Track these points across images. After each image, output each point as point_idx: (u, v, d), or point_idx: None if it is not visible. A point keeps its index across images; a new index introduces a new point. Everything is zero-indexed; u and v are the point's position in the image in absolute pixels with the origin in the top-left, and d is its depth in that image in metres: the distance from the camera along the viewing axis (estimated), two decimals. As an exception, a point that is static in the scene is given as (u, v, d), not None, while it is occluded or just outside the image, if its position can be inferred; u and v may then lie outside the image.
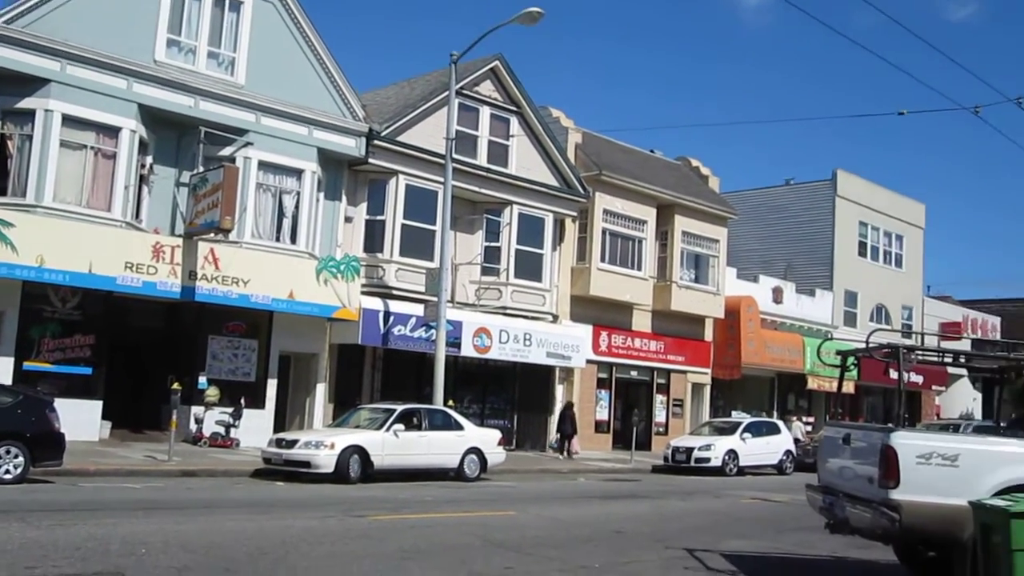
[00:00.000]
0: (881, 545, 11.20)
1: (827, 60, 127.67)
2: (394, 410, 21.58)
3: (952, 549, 9.56)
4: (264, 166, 25.14)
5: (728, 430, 30.43)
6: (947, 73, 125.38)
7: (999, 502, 8.30)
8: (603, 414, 34.44)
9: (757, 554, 12.83)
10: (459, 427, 22.72)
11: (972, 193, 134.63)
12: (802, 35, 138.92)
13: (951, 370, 45.73)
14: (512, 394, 32.11)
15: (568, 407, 31.17)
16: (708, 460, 28.61)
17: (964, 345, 42.07)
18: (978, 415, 49.01)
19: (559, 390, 33.08)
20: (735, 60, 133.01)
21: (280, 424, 25.76)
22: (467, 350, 28.74)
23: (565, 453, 30.28)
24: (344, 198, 27.35)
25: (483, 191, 29.81)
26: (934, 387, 49.46)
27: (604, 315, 34.07)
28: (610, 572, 10.70)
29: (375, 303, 26.66)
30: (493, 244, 30.44)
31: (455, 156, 26.65)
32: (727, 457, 28.94)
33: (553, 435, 31.95)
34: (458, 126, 27.58)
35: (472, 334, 28.76)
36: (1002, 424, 12.63)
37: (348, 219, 27.43)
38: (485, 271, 30.26)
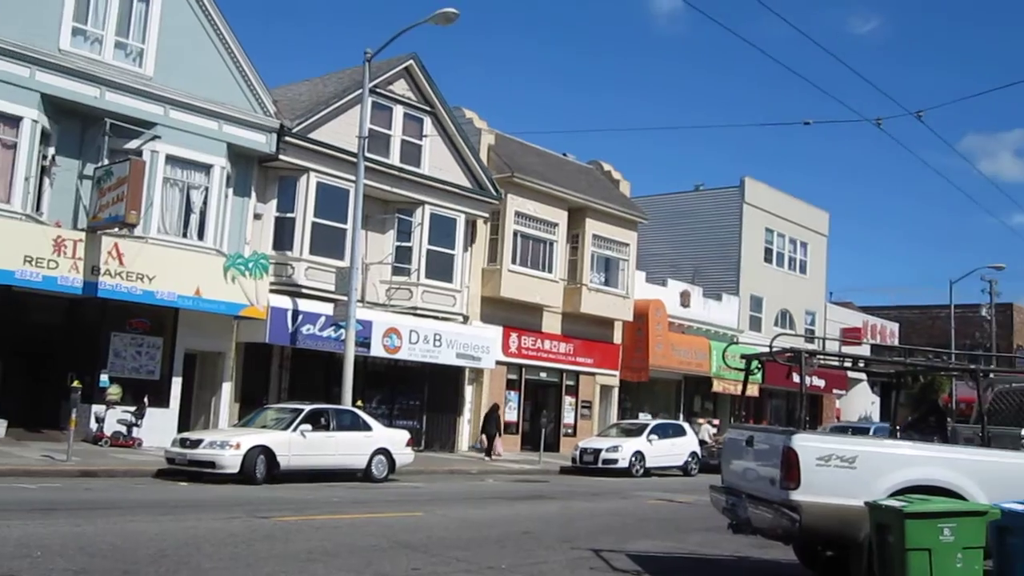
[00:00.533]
0: (782, 545, 11.44)
1: (737, 69, 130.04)
2: (301, 410, 21.37)
3: (849, 549, 9.81)
4: (172, 160, 24.64)
5: (635, 432, 30.78)
6: (852, 86, 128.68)
7: (894, 503, 8.54)
8: (512, 415, 34.56)
9: (662, 554, 13.00)
10: (367, 427, 22.58)
11: (874, 202, 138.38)
12: (713, 44, 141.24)
13: (851, 374, 47.00)
14: (421, 395, 32.02)
15: (494, 409, 31.39)
16: (615, 461, 28.89)
17: (864, 350, 43.16)
18: (876, 418, 50.32)
19: (469, 391, 33.12)
20: (648, 66, 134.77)
21: (185, 424, 25.28)
22: (377, 350, 28.59)
23: (489, 454, 30.46)
24: (254, 194, 26.97)
25: (395, 190, 29.68)
26: (835, 391, 50.68)
27: (514, 316, 34.20)
28: (517, 572, 10.73)
29: (284, 301, 26.35)
30: (404, 244, 30.33)
31: (367, 155, 26.50)
32: (634, 458, 29.26)
33: (478, 436, 32.12)
34: (371, 125, 27.43)
35: (382, 334, 28.62)
36: (898, 427, 12.98)
37: (257, 216, 27.07)
38: (396, 271, 30.13)
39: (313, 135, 27.51)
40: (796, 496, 9.53)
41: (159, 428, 23.70)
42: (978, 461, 10.03)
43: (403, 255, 30.30)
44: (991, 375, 13.09)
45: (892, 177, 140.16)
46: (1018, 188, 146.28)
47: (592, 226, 36.62)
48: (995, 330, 55.08)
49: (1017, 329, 63.28)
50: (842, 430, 29.28)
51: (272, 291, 26.16)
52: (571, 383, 37.20)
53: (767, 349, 11.34)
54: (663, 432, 31.10)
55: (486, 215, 32.68)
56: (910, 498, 8.80)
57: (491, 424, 31.03)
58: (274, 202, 27.49)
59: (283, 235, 27.44)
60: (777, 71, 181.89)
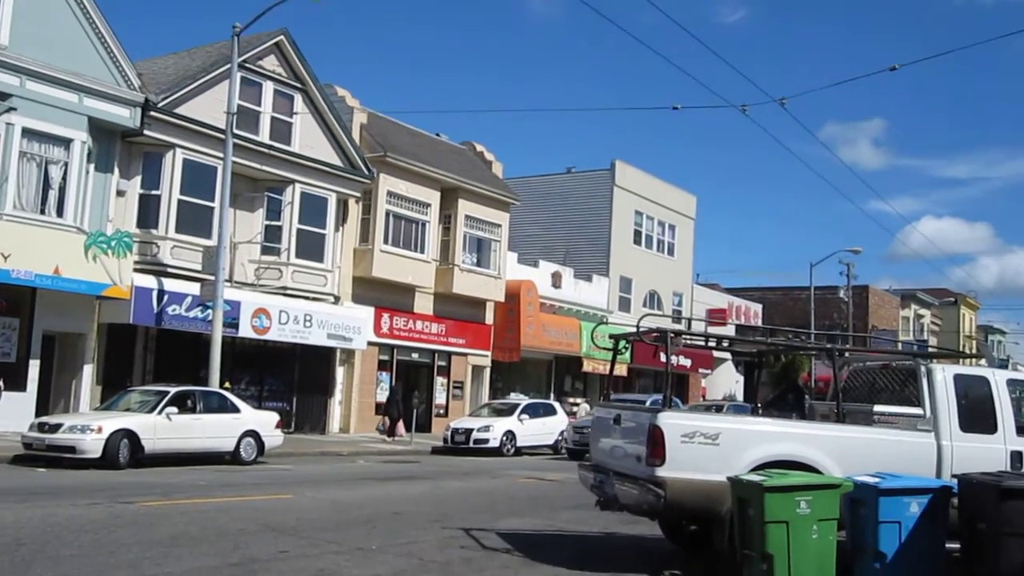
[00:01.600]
0: (648, 520, 11.72)
1: (610, 53, 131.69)
2: (167, 392, 20.90)
3: (712, 522, 10.12)
4: (29, 134, 23.64)
5: (506, 412, 31.04)
6: (719, 73, 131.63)
7: (754, 477, 8.84)
8: (384, 396, 34.41)
9: (532, 531, 13.16)
10: (235, 409, 22.23)
11: (740, 187, 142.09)
12: (587, 28, 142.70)
13: (716, 354, 48.19)
14: (292, 376, 31.62)
15: (395, 391, 31.36)
16: (487, 441, 29.10)
17: (729, 331, 44.37)
18: (740, 397, 51.82)
19: (340, 372, 32.86)
20: (522, 49, 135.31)
21: (43, 407, 24.37)
22: (245, 331, 28.07)
23: (392, 436, 30.44)
24: (117, 171, 26.08)
25: (265, 168, 29.14)
26: (701, 370, 51.98)
27: (386, 297, 34.03)
28: (387, 553, 10.73)
29: (148, 281, 25.65)
30: (274, 223, 29.82)
31: (236, 131, 25.96)
32: (505, 438, 29.52)
33: (381, 418, 32.35)
34: (240, 101, 26.86)
35: (251, 315, 28.12)
36: (759, 404, 13.40)
37: (121, 193, 26.19)
38: (265, 250, 29.61)
39: (179, 110, 26.77)
40: (661, 472, 9.77)
41: (15, 413, 22.80)
42: (833, 436, 10.43)
43: (273, 234, 29.78)
44: (846, 354, 13.60)
45: (757, 163, 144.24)
46: (875, 176, 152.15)
47: (465, 207, 36.67)
48: (852, 311, 57.21)
49: (872, 310, 65.91)
50: (708, 409, 30.04)
51: (136, 270, 25.43)
52: (443, 363, 37.25)
53: (635, 329, 11.56)
54: (534, 412, 31.44)
55: (358, 195, 32.38)
56: (770, 473, 9.11)
57: (392, 406, 31.11)
58: (139, 179, 26.66)
59: (148, 213, 26.66)
60: (649, 57, 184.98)
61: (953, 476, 9.51)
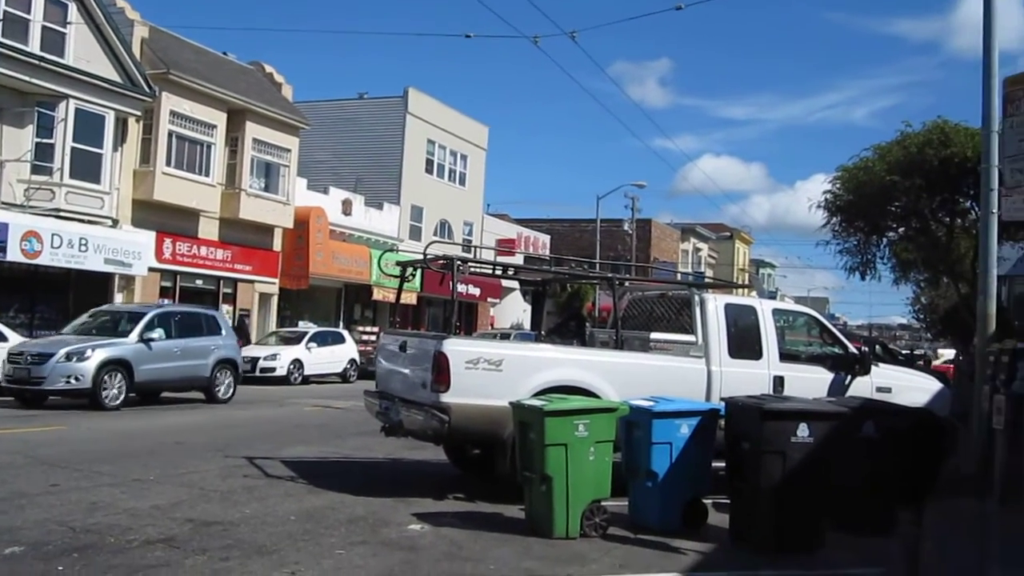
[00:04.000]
0: (433, 446, 11.89)
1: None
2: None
3: (495, 446, 10.36)
4: None
5: (294, 340, 30.67)
6: (512, 2, 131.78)
7: (536, 402, 9.10)
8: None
9: (317, 459, 13.14)
10: (3, 339, 21.07)
11: (531, 119, 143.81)
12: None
13: (505, 283, 49.01)
14: (66, 303, 30.01)
15: (243, 318, 30.26)
16: (273, 370, 28.71)
17: (518, 260, 45.09)
18: (528, 326, 52.96)
19: (119, 299, 31.48)
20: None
21: None
22: (14, 255, 26.39)
23: None
24: None
25: (35, 81, 27.23)
26: (489, 299, 52.73)
27: (169, 221, 32.71)
28: (166, 483, 10.49)
29: (-98, 200, 23.77)
30: (46, 140, 27.98)
31: (1, 39, 24.17)
32: (292, 366, 29.20)
33: None
34: (6, 7, 25.00)
35: (20, 238, 26.43)
36: (542, 332, 13.74)
37: None
38: (36, 169, 27.79)
39: (-65, 15, 24.68)
40: (446, 398, 9.91)
41: None
42: (611, 363, 10.85)
43: (44, 153, 27.96)
44: (626, 283, 14.10)
45: (549, 96, 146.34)
46: (661, 114, 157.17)
47: (252, 130, 35.54)
48: (635, 243, 59.17)
49: (655, 243, 68.31)
50: (494, 337, 30.56)
51: None
52: (229, 291, 36.26)
53: (422, 257, 11.59)
54: (322, 340, 31.20)
55: (138, 113, 30.79)
56: (550, 397, 9.39)
57: (240, 335, 30.07)
58: None
59: (-100, 125, 24.58)
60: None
61: (721, 399, 10.05)
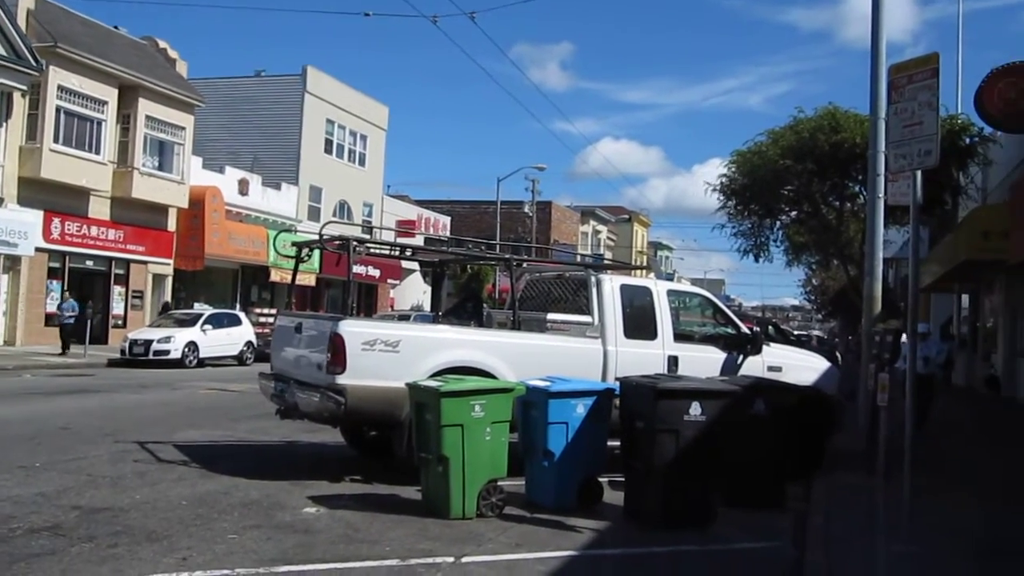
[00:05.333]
0: (330, 428, 11.78)
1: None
2: None
3: (392, 428, 10.31)
4: None
5: (189, 322, 30.02)
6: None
7: (432, 383, 9.08)
8: (55, 307, 32.29)
9: (211, 443, 12.92)
10: None
11: (432, 100, 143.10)
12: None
13: (406, 265, 48.80)
14: (-53, 284, 29.04)
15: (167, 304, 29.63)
16: (167, 352, 28.05)
17: (418, 242, 44.90)
18: (428, 308, 52.80)
19: (4, 280, 30.47)
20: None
21: None
22: None
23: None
24: None
25: (-89, 54, 26.19)
26: (390, 280, 52.47)
27: (58, 200, 31.72)
28: (53, 470, 10.20)
29: None
30: (-76, 115, 26.95)
31: None
32: (187, 349, 28.58)
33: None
34: None
35: None
36: (439, 313, 13.72)
37: None
38: (-86, 145, 26.77)
39: None
40: (342, 380, 9.83)
41: None
42: (508, 343, 10.89)
43: (-78, 128, 26.93)
44: (523, 265, 14.14)
45: (450, 78, 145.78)
46: (561, 97, 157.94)
47: (145, 106, 34.66)
48: (536, 225, 59.41)
49: (555, 225, 68.65)
50: (396, 319, 30.40)
51: None
52: (121, 272, 35.38)
53: (318, 237, 11.45)
54: (218, 322, 30.60)
55: (24, 87, 29.73)
56: (447, 378, 9.39)
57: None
58: None
59: None
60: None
61: (616, 379, 10.17)
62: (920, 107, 8.78)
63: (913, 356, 9.66)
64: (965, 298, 35.86)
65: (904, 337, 13.32)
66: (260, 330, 31.73)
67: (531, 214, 58.97)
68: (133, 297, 35.86)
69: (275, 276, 41.89)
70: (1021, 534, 9.08)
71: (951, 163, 22.50)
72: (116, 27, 37.46)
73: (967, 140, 23.47)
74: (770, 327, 28.37)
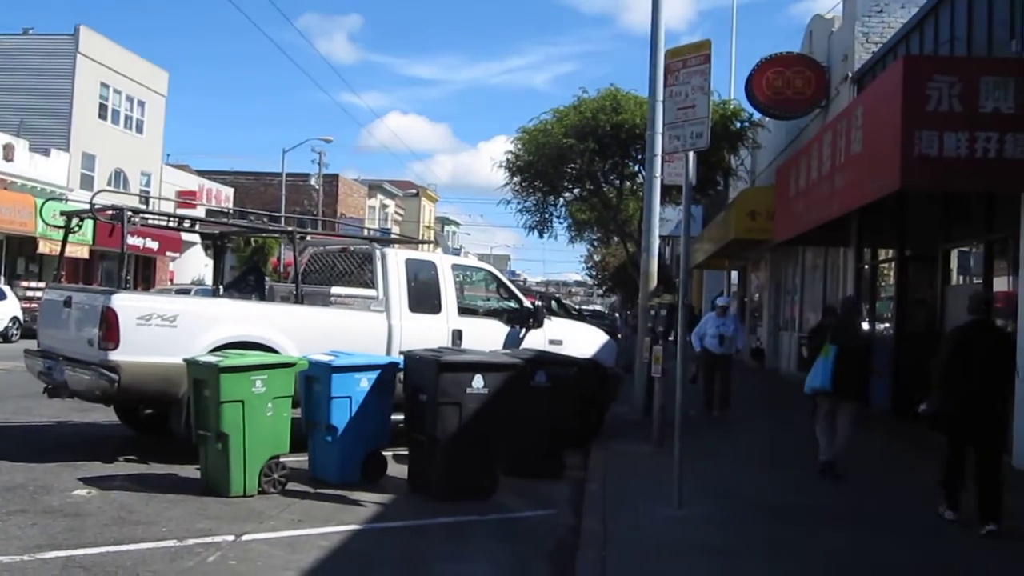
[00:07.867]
0: (104, 407, 11.31)
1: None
2: None
3: (170, 405, 10.00)
4: None
5: (-53, 296, 28.09)
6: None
7: (211, 358, 8.87)
8: None
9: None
10: None
11: (214, 68, 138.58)
12: None
13: (186, 237, 47.12)
14: None
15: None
16: (-78, 328, 26.19)
17: (199, 213, 43.45)
18: (209, 281, 51.25)
19: None
20: None
21: None
22: None
23: None
24: None
25: None
26: (168, 253, 50.54)
27: None
28: None
29: None
30: None
31: None
32: (-55, 325, 26.76)
33: None
34: None
35: None
36: (219, 287, 13.38)
37: None
38: None
39: None
40: (115, 356, 9.45)
41: None
42: (290, 317, 10.74)
43: None
44: (307, 238, 13.95)
45: (233, 46, 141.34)
46: (349, 70, 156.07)
47: None
48: (322, 199, 58.57)
49: (342, 199, 67.83)
50: (179, 292, 29.41)
51: None
52: None
53: (88, 207, 10.93)
54: (-20, 296, 28.78)
55: None
56: (227, 353, 9.19)
57: None
58: None
59: None
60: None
61: (401, 353, 10.20)
62: (693, 91, 9.17)
63: (687, 327, 10.14)
64: (735, 275, 37.86)
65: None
66: (27, 305, 30.02)
67: (317, 187, 58.10)
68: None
69: (44, 248, 39.57)
70: (779, 493, 9.72)
71: (723, 146, 23.68)
72: None
73: (738, 124, 24.74)
74: (553, 302, 29.06)
